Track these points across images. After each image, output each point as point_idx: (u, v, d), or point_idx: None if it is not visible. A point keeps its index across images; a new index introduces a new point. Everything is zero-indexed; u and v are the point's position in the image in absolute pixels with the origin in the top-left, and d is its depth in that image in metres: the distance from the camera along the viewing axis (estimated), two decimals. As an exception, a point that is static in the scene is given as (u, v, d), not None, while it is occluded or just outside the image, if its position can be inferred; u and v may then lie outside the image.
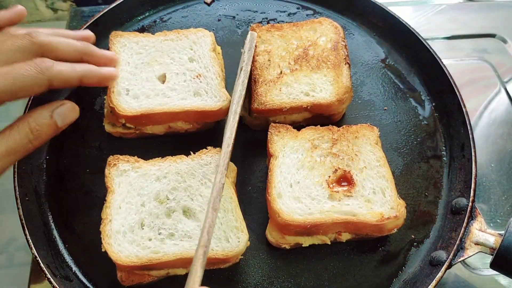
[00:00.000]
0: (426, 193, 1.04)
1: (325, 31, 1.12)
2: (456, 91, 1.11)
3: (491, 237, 0.92)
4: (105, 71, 0.96)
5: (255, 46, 1.10)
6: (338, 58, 1.08)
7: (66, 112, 0.87)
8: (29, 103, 1.08)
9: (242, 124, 1.12)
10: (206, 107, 1.01)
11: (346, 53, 1.09)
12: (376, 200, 0.92)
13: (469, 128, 1.06)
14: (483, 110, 1.29)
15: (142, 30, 1.26)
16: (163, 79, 1.06)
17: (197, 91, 1.03)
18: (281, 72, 1.07)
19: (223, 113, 1.04)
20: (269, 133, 1.00)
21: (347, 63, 1.08)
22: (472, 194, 0.98)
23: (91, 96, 1.15)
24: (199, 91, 1.03)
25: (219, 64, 1.08)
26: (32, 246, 0.92)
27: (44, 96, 1.10)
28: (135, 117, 1.01)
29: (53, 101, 0.87)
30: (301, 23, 1.15)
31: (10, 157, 0.80)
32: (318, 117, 1.08)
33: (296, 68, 1.07)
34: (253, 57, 1.09)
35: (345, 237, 0.95)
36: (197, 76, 1.05)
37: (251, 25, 1.16)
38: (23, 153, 0.83)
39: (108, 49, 1.11)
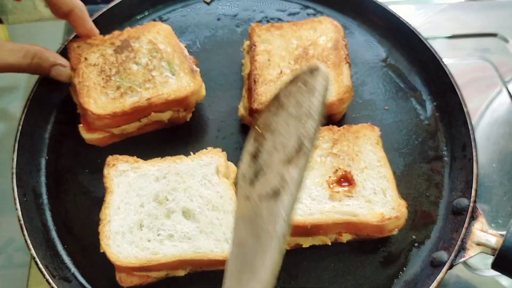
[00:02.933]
0: (427, 194, 1.04)
1: (325, 30, 1.12)
2: (457, 90, 1.10)
3: (493, 238, 0.91)
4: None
5: (255, 45, 1.10)
6: (338, 57, 1.07)
7: (62, 74, 1.04)
8: (28, 102, 1.07)
9: (242, 124, 1.12)
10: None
11: (346, 52, 1.08)
12: (377, 201, 0.91)
13: (470, 128, 1.06)
14: (485, 110, 1.28)
15: (141, 29, 1.25)
16: None
17: None
18: (281, 72, 1.06)
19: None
20: (269, 133, 1.00)
21: (348, 62, 1.07)
22: (473, 194, 0.98)
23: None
24: None
25: None
26: (31, 246, 0.92)
27: (44, 96, 1.11)
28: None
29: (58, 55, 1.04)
30: (301, 22, 1.14)
31: None
32: (318, 117, 1.07)
33: (296, 68, 1.06)
34: (253, 57, 1.08)
35: (345, 237, 0.95)
36: None
37: (251, 24, 1.15)
38: (11, 71, 0.98)
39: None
